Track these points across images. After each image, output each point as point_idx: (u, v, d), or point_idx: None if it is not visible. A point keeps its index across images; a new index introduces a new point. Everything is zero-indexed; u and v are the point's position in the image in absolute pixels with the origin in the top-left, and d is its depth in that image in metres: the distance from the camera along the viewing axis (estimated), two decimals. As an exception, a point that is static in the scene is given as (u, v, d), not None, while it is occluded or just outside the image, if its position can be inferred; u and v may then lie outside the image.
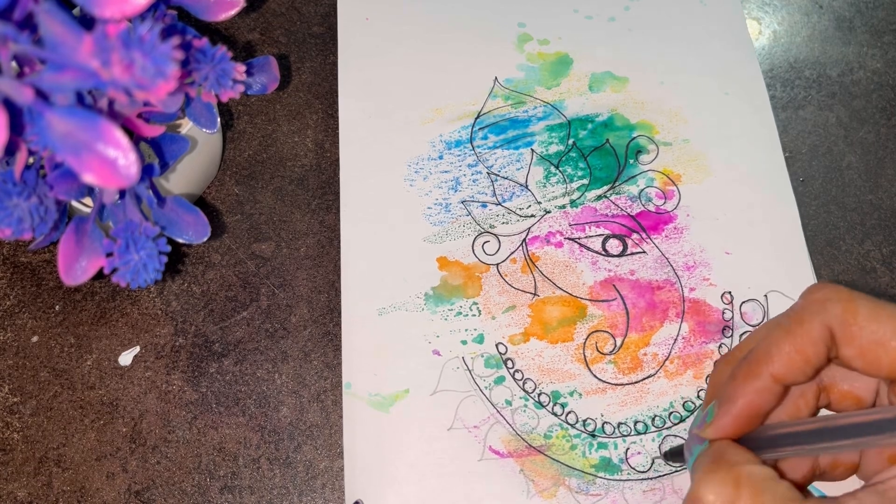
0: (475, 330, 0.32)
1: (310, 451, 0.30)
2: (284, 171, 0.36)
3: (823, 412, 0.25)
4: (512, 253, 0.33)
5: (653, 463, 0.30)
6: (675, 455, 0.28)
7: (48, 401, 0.31)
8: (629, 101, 0.36)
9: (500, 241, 0.33)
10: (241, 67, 0.25)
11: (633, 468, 0.30)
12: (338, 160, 0.35)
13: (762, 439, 0.23)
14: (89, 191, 0.25)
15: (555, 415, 0.31)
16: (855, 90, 0.39)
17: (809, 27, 0.40)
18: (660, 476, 0.30)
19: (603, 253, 0.33)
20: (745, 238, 0.34)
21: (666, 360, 0.32)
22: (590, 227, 0.34)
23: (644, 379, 0.31)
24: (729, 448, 0.23)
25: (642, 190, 0.35)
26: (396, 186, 0.34)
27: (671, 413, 0.31)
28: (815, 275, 0.33)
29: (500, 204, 0.34)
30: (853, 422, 0.22)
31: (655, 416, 0.31)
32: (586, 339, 0.32)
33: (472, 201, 0.34)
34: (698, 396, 0.31)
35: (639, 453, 0.30)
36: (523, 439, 0.30)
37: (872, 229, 0.36)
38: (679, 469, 0.30)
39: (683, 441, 0.27)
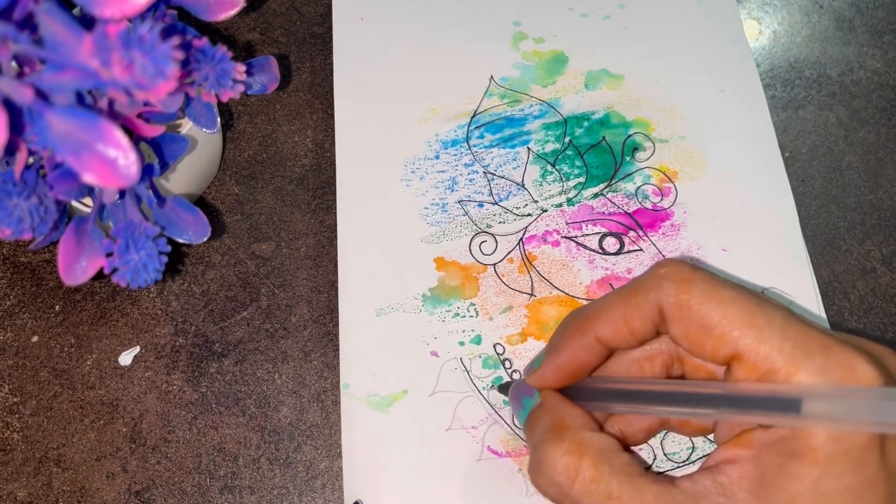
0: (473, 331, 0.32)
1: (310, 451, 0.31)
2: (284, 171, 0.36)
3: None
4: (509, 252, 0.33)
5: (654, 459, 0.30)
6: (504, 389, 0.29)
7: (48, 401, 0.31)
8: (625, 99, 0.37)
9: (497, 241, 0.33)
10: (241, 67, 0.25)
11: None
12: (337, 160, 0.36)
13: (587, 390, 0.24)
14: (89, 191, 0.25)
15: (554, 414, 0.31)
16: (855, 90, 0.39)
17: (809, 27, 0.40)
18: (661, 473, 0.30)
19: (600, 251, 0.33)
20: (742, 235, 0.34)
21: (665, 359, 0.32)
22: (587, 226, 0.34)
23: (643, 379, 0.31)
24: (567, 410, 0.24)
25: (639, 187, 0.35)
26: (393, 187, 0.34)
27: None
28: (811, 269, 0.33)
29: (496, 203, 0.34)
30: (658, 389, 0.23)
31: None
32: (585, 338, 0.32)
33: (469, 201, 0.34)
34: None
35: (640, 450, 0.30)
36: (521, 439, 0.30)
37: (872, 229, 0.35)
38: (677, 468, 0.30)
39: (514, 379, 0.28)
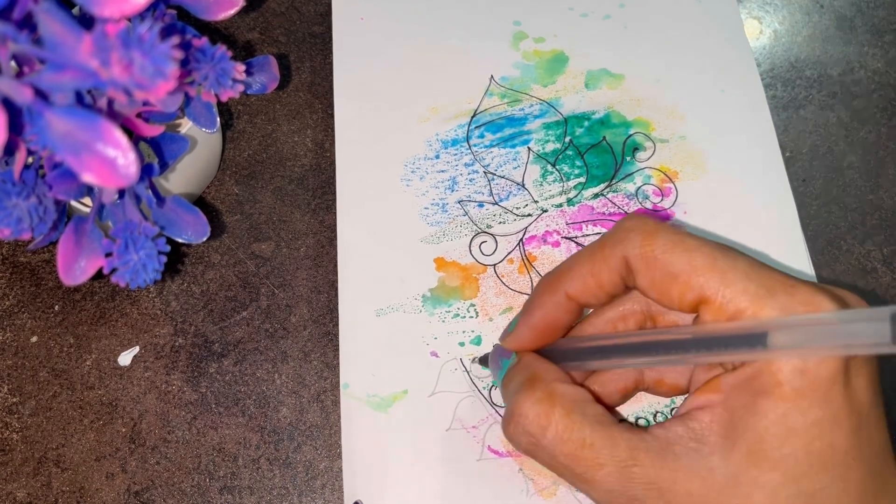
0: (472, 332, 0.32)
1: (310, 452, 0.31)
2: (284, 171, 0.36)
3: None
4: (509, 253, 0.33)
5: None
6: (484, 361, 0.30)
7: (47, 401, 0.31)
8: (625, 99, 0.36)
9: (497, 242, 0.33)
10: (241, 67, 0.25)
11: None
12: (337, 160, 0.35)
13: (562, 351, 0.25)
14: (89, 190, 0.25)
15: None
16: (856, 90, 0.39)
17: (810, 27, 0.40)
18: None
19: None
20: (743, 235, 0.34)
21: (665, 359, 0.32)
22: (587, 226, 0.34)
23: (643, 379, 0.31)
24: (541, 365, 0.24)
25: (639, 187, 0.35)
26: (393, 186, 0.34)
27: (672, 409, 0.31)
28: (813, 269, 0.33)
29: (496, 203, 0.34)
30: (629, 341, 0.23)
31: (657, 412, 0.31)
32: (585, 338, 0.32)
33: (469, 201, 0.34)
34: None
35: None
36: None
37: (873, 229, 0.35)
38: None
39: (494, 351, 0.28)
